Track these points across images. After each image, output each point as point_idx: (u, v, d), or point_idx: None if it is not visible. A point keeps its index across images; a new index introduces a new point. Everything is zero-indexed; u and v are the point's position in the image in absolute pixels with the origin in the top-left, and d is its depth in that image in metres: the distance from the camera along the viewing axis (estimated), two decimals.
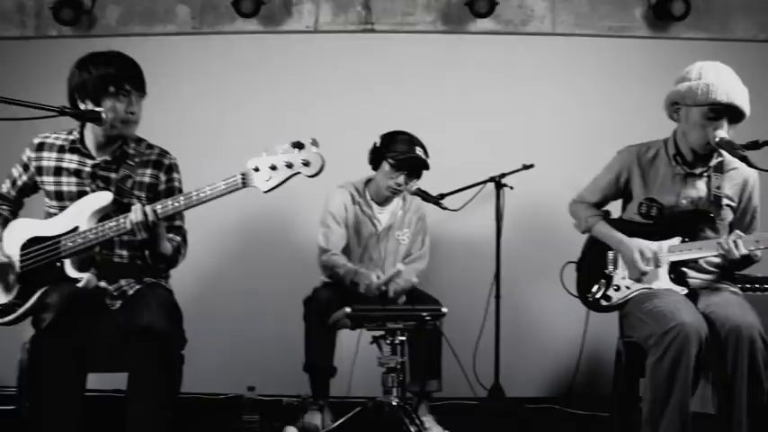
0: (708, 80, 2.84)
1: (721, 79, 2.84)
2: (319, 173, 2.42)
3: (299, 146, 2.41)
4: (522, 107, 4.90)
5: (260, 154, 2.46)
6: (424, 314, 3.28)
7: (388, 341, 3.19)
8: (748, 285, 3.76)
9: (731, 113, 2.84)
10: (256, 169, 2.46)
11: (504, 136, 4.81)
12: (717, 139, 2.79)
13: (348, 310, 3.21)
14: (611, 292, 3.08)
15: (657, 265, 2.98)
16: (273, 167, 2.43)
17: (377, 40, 4.96)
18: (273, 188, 2.46)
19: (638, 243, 3.02)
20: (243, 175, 2.49)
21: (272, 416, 3.76)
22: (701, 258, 2.99)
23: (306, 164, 2.41)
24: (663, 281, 2.98)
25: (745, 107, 2.84)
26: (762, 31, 5.06)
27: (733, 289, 3.06)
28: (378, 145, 3.84)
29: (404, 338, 3.21)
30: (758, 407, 2.60)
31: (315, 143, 2.41)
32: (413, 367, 3.55)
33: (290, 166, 2.42)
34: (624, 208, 3.28)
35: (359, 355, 3.65)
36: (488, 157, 4.63)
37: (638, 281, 3.02)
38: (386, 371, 3.18)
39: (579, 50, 5.01)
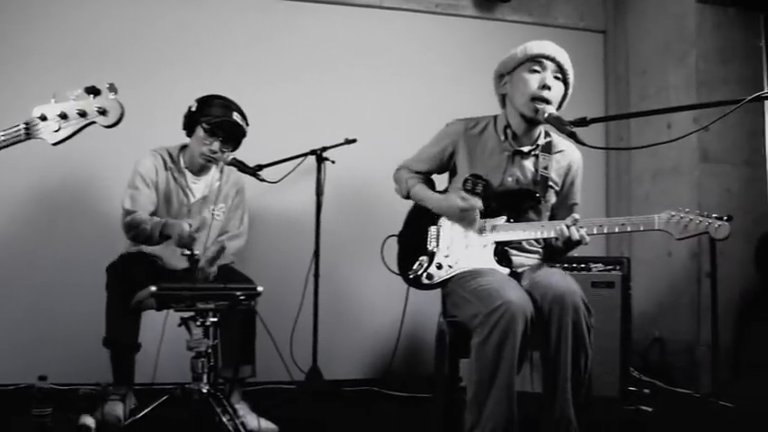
0: (526, 44, 2.93)
1: (538, 40, 2.93)
2: (118, 122, 2.09)
3: (93, 92, 2.07)
4: (346, 80, 4.86)
5: (48, 101, 2.10)
6: (238, 293, 3.04)
7: (198, 323, 2.94)
8: (566, 265, 3.84)
9: (552, 66, 2.88)
10: (43, 118, 2.09)
11: (328, 109, 4.76)
12: (545, 115, 2.77)
13: (153, 289, 2.91)
14: (432, 270, 2.97)
15: (479, 207, 2.90)
16: (64, 116, 2.08)
17: (197, 3, 4.68)
18: (64, 140, 2.11)
19: (454, 196, 2.95)
20: (26, 124, 2.10)
21: (68, 407, 3.38)
22: (525, 240, 2.96)
23: (102, 112, 2.07)
24: (486, 260, 2.90)
25: (565, 62, 2.91)
26: (582, 19, 5.30)
27: (553, 265, 3.05)
28: (192, 109, 3.55)
29: (215, 320, 2.97)
30: (583, 373, 2.59)
31: (112, 89, 2.08)
32: (225, 351, 3.32)
33: (83, 114, 2.07)
34: (449, 182, 3.19)
35: (165, 338, 3.35)
36: (310, 129, 4.55)
37: (470, 225, 2.93)
38: (195, 355, 2.92)
39: (406, 26, 5.04)
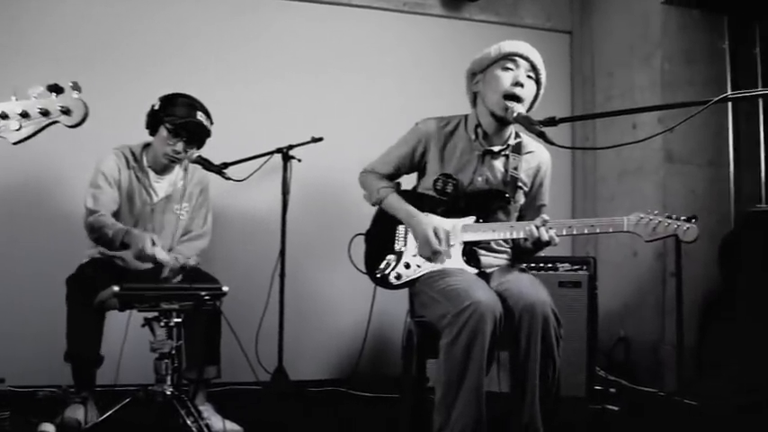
0: (500, 43, 2.93)
1: (512, 40, 2.94)
2: (82, 122, 2.03)
3: (56, 90, 2.00)
4: (313, 78, 4.82)
5: (8, 98, 2.03)
6: (203, 293, 2.99)
7: (162, 323, 2.90)
8: (533, 265, 3.85)
9: (526, 65, 2.89)
10: (3, 116, 2.01)
11: (294, 106, 4.70)
12: (515, 114, 2.77)
13: (116, 288, 2.84)
14: (401, 269, 2.95)
15: (449, 245, 2.89)
16: (25, 115, 2.01)
17: (162, 4, 4.60)
18: (25, 139, 2.03)
19: (431, 221, 2.93)
20: None
21: (27, 411, 3.30)
22: (493, 240, 2.95)
23: (65, 111, 2.01)
24: (455, 260, 2.89)
25: (538, 62, 2.92)
26: (548, 20, 5.33)
27: (522, 267, 3.05)
28: (156, 108, 3.48)
29: (179, 320, 2.92)
30: (550, 382, 2.60)
31: (76, 87, 2.01)
32: (189, 352, 3.25)
33: (45, 113, 2.00)
34: (418, 181, 3.16)
35: (128, 338, 3.29)
36: (276, 127, 4.50)
37: (429, 260, 2.91)
38: (159, 357, 2.89)
39: (374, 24, 5.02)
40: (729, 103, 4.48)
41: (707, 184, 4.53)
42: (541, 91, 2.97)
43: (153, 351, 2.90)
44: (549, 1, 5.38)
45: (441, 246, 2.87)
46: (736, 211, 4.54)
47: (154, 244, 3.17)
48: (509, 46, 2.88)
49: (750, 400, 3.54)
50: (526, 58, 2.88)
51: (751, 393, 3.58)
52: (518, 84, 2.84)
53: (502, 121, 2.92)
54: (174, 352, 2.90)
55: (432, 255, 2.90)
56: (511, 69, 2.87)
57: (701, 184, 4.52)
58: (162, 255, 3.21)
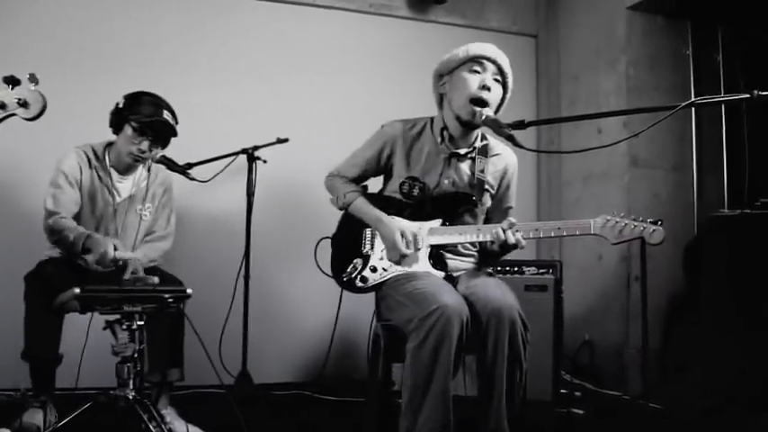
0: (468, 44, 2.92)
1: (479, 42, 2.92)
2: (40, 115, 1.99)
3: (13, 82, 1.96)
4: (279, 78, 4.79)
5: None
6: (166, 296, 2.93)
7: (125, 326, 2.82)
8: (499, 268, 3.85)
9: (493, 68, 2.88)
10: None
11: (260, 107, 4.67)
12: (483, 117, 2.77)
13: (77, 290, 2.77)
14: (367, 273, 2.93)
15: (417, 248, 2.87)
16: None
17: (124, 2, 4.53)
18: None
19: (398, 224, 2.92)
20: None
21: None
22: (460, 243, 2.94)
23: (22, 104, 1.96)
24: (422, 263, 2.88)
25: (506, 65, 2.91)
26: (514, 23, 5.36)
27: (489, 271, 3.04)
28: (120, 106, 3.41)
29: (142, 323, 2.85)
30: (517, 386, 2.60)
31: (33, 79, 1.97)
32: (152, 355, 3.20)
33: (2, 106, 1.96)
34: (384, 184, 3.15)
35: (89, 341, 3.22)
36: (241, 127, 4.45)
37: (398, 263, 2.90)
38: (121, 360, 2.81)
39: (340, 25, 5.00)
40: (693, 109, 4.52)
41: (671, 188, 4.58)
42: (508, 95, 2.97)
43: (115, 354, 2.82)
44: (515, 4, 5.40)
45: (408, 249, 2.86)
46: (700, 215, 4.59)
47: (116, 249, 3.11)
48: (477, 48, 2.87)
49: (713, 403, 3.58)
50: (493, 61, 2.87)
51: (714, 396, 3.62)
52: (485, 87, 2.83)
53: (468, 125, 2.91)
54: (136, 355, 2.83)
55: (400, 258, 2.89)
56: (478, 72, 2.85)
57: (666, 189, 4.56)
58: (126, 255, 3.15)
